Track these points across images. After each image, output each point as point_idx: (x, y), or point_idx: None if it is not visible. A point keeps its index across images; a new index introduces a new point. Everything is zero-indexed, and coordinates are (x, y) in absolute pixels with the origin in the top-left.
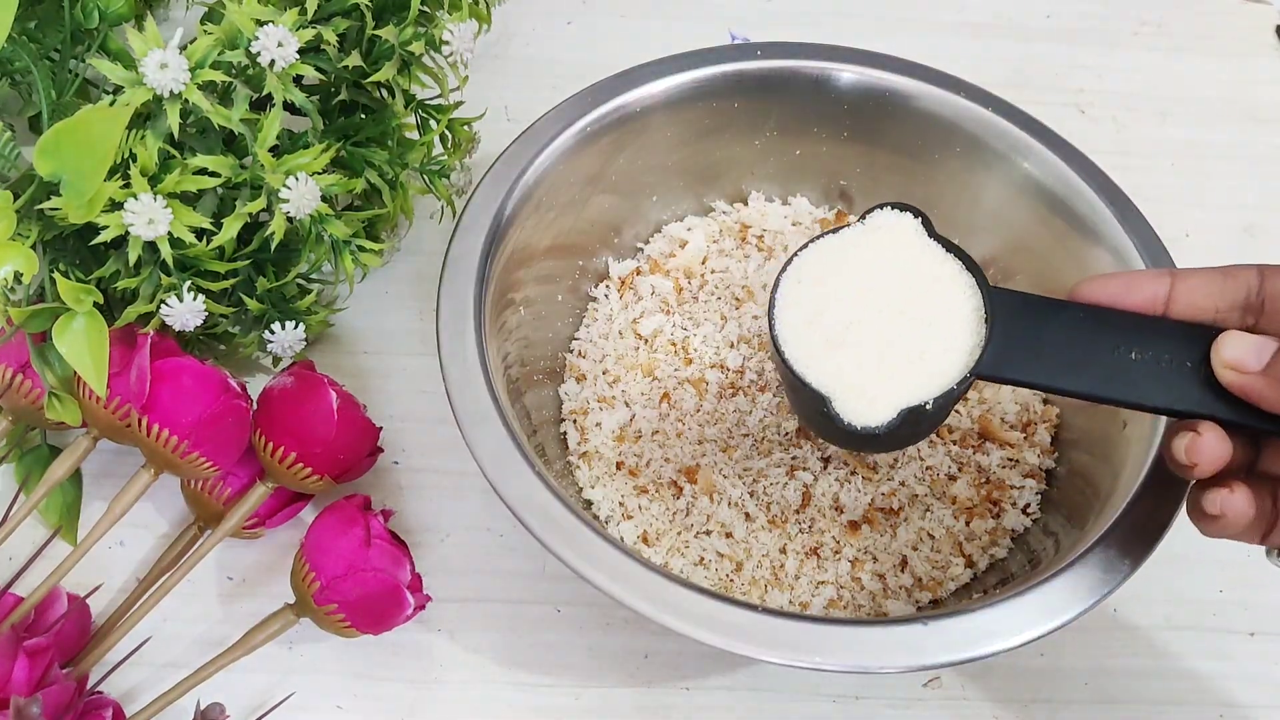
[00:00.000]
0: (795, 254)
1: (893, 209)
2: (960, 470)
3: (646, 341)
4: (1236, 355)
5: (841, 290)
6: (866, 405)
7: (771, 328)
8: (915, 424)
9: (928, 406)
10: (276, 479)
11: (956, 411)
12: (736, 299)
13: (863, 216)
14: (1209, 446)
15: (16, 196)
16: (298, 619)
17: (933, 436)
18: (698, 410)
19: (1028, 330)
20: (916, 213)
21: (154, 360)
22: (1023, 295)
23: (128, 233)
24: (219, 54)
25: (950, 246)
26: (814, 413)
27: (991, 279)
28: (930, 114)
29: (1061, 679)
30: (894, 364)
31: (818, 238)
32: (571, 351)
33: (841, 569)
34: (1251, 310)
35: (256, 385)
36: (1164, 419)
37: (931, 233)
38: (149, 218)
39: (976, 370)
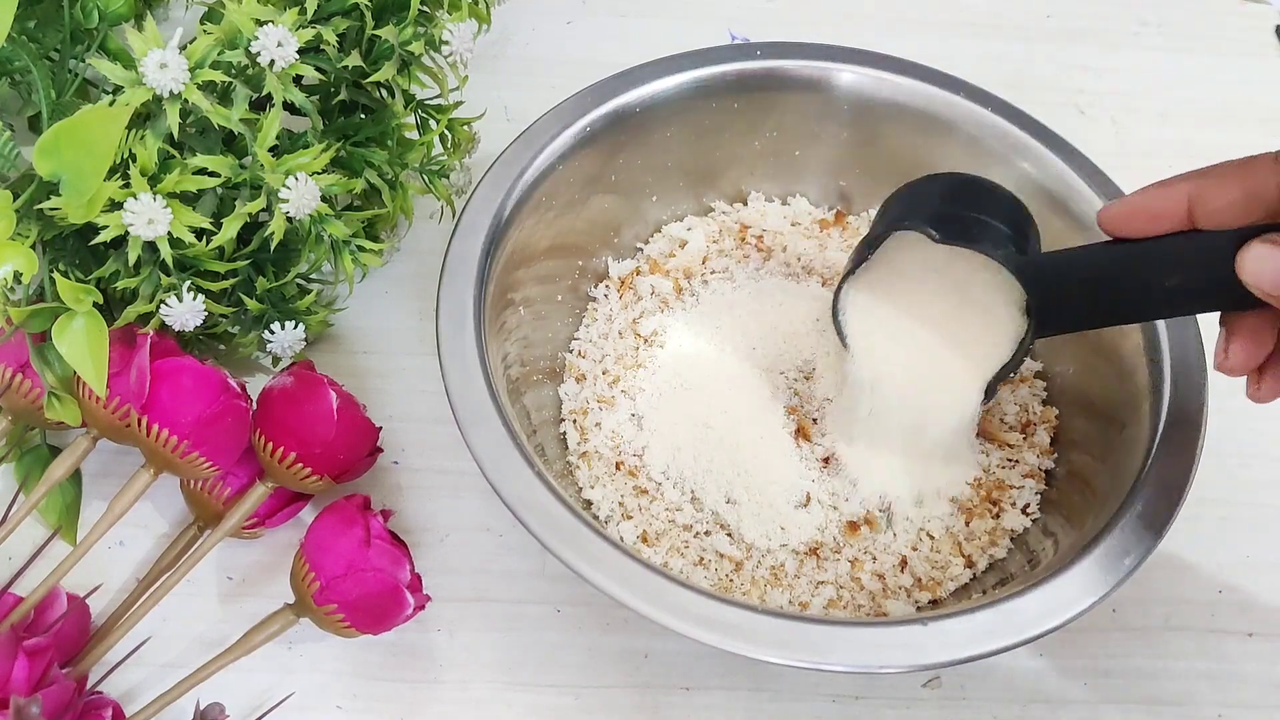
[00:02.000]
0: (839, 305)
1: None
2: None
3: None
4: (1255, 279)
5: (898, 325)
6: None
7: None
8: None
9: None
10: (276, 479)
11: None
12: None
13: (870, 247)
14: (1235, 361)
15: (16, 196)
16: (297, 619)
17: None
18: None
19: (1066, 286)
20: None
21: (153, 360)
22: (1052, 256)
23: (127, 233)
24: (219, 54)
25: (971, 237)
26: None
27: None
28: (930, 114)
29: (1061, 679)
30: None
31: (847, 280)
32: (571, 351)
33: (841, 569)
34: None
35: (256, 385)
36: (1161, 420)
37: (948, 235)
38: (149, 218)
39: (1031, 339)
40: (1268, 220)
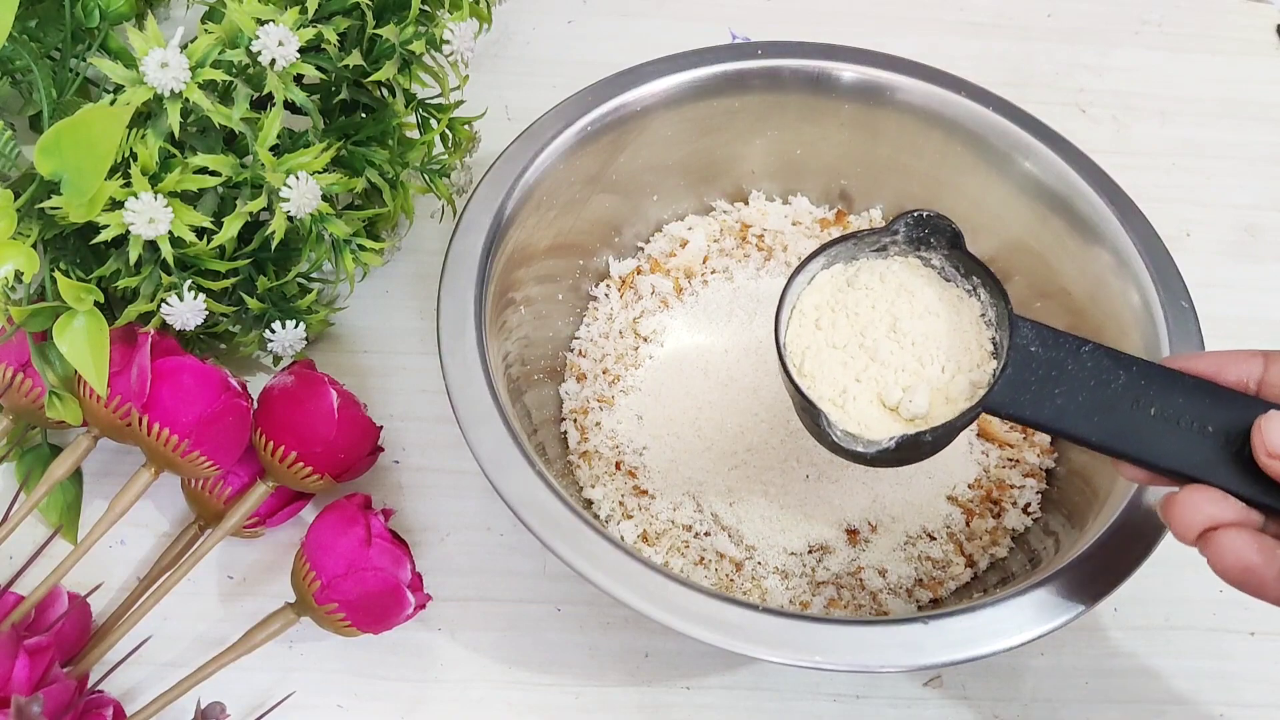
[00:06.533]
0: (807, 262)
1: (911, 256)
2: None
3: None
4: (1269, 440)
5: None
6: (863, 427)
7: (777, 330)
8: (913, 449)
9: (926, 437)
10: (277, 478)
11: None
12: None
13: (882, 243)
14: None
15: (17, 195)
16: (298, 618)
17: None
18: None
19: (1045, 367)
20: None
21: (154, 359)
22: (1049, 330)
23: (128, 232)
24: (219, 53)
25: (974, 270)
26: (810, 421)
27: None
28: (931, 113)
29: (1061, 679)
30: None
31: (829, 251)
32: (572, 351)
33: (842, 568)
34: None
35: (257, 384)
36: None
37: (959, 264)
38: (149, 217)
39: (983, 404)
40: None
